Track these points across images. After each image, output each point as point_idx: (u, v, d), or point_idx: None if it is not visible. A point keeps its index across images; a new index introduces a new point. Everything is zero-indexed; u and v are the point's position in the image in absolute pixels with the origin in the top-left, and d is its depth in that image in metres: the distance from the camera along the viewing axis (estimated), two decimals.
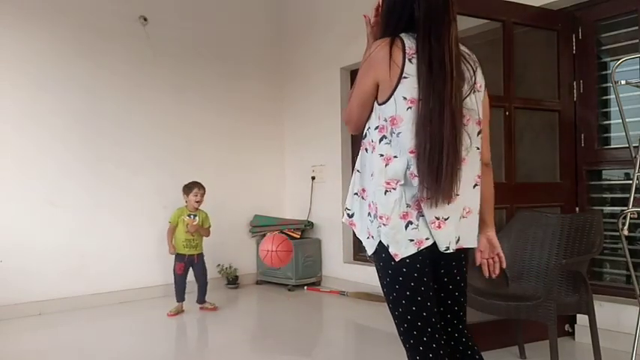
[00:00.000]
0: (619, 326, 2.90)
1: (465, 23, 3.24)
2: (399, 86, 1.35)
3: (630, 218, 2.43)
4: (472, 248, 1.55)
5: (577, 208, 3.27)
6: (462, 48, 1.47)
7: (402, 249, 1.38)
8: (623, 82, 2.64)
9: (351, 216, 1.55)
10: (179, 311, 4.10)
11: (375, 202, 1.42)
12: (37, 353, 3.24)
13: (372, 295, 4.47)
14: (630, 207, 2.44)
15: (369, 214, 1.45)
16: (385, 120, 1.40)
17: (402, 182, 1.38)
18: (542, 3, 3.29)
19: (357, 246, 5.15)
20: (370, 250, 1.47)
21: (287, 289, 4.99)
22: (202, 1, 5.20)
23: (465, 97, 1.40)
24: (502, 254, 1.60)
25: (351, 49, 4.90)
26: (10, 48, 4.15)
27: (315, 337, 3.64)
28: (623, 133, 2.60)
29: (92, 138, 4.49)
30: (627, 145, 2.57)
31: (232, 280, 5.12)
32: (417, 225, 1.38)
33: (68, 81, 4.40)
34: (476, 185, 1.47)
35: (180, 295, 4.15)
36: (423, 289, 1.41)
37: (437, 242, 1.40)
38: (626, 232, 2.41)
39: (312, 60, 5.39)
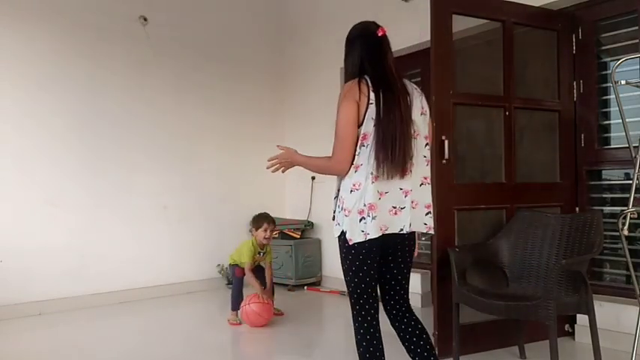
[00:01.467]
0: (619, 326, 2.90)
1: (465, 23, 3.25)
2: (368, 110, 1.81)
3: (630, 218, 2.43)
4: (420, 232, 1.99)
5: (577, 208, 3.27)
6: (407, 81, 1.94)
7: (354, 236, 1.84)
8: (623, 82, 2.65)
9: (334, 212, 1.99)
10: (240, 321, 3.72)
11: (343, 197, 1.87)
12: (37, 353, 3.24)
13: None
14: (630, 207, 2.44)
15: (339, 206, 1.91)
16: (357, 137, 1.84)
17: (363, 185, 1.82)
18: (542, 3, 3.29)
19: None
20: (336, 233, 1.92)
21: (287, 289, 4.99)
22: (202, 1, 5.20)
23: (414, 116, 1.88)
24: (417, 245, 2.08)
25: None
26: (10, 48, 4.15)
27: (315, 337, 3.64)
28: (623, 133, 2.60)
29: (92, 138, 4.49)
30: (627, 145, 2.57)
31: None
32: (367, 222, 1.82)
33: (68, 81, 4.40)
34: (422, 184, 1.93)
35: (236, 304, 3.73)
36: (365, 268, 1.91)
37: (392, 226, 1.85)
38: (626, 232, 2.42)
39: (313, 60, 5.39)
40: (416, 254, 2.10)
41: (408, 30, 4.24)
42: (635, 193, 2.47)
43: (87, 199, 4.44)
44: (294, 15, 5.67)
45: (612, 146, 3.26)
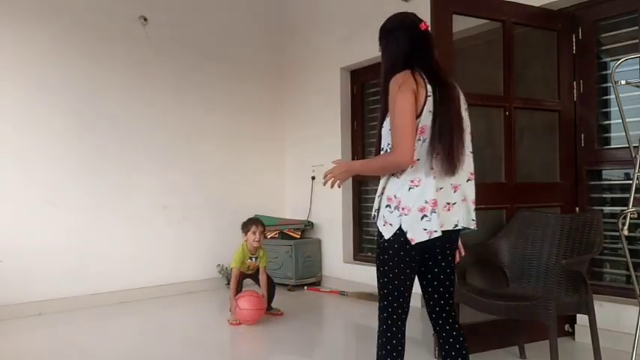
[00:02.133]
0: (619, 326, 2.90)
1: (465, 23, 3.25)
2: (426, 102, 1.71)
3: (630, 218, 2.43)
4: (465, 231, 1.91)
5: (577, 208, 3.27)
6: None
7: (416, 235, 1.73)
8: (623, 82, 2.64)
9: (376, 211, 1.87)
10: (238, 320, 3.73)
11: (399, 196, 1.76)
12: (37, 353, 3.24)
13: (372, 295, 4.47)
14: (630, 207, 2.44)
15: (389, 205, 1.79)
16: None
17: (423, 181, 1.74)
18: (542, 3, 3.29)
19: (357, 246, 5.15)
20: (388, 234, 1.78)
21: (287, 289, 4.99)
22: (202, 1, 5.20)
23: (462, 111, 1.84)
24: (461, 245, 2.02)
25: (351, 49, 4.90)
26: (10, 48, 4.15)
27: (315, 337, 3.64)
28: (623, 133, 2.60)
29: (92, 138, 4.49)
30: (627, 145, 2.57)
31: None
32: (430, 219, 1.72)
33: (68, 81, 4.40)
34: (469, 180, 1.87)
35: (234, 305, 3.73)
36: (409, 270, 1.83)
37: (447, 222, 1.79)
38: (626, 232, 2.41)
39: (313, 60, 5.39)
40: (463, 253, 2.05)
41: None
42: (635, 193, 2.47)
43: (87, 199, 4.44)
44: (294, 15, 5.67)
45: (612, 146, 3.26)
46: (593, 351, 2.44)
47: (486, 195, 3.09)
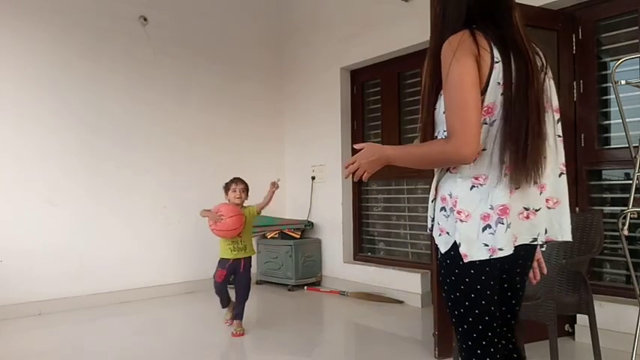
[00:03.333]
0: (619, 326, 2.90)
1: None
2: (493, 71, 1.28)
3: (630, 218, 2.43)
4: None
5: (577, 208, 3.26)
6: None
7: (472, 251, 1.30)
8: (623, 82, 2.64)
9: (432, 220, 1.45)
10: (232, 316, 3.63)
11: (455, 195, 1.33)
12: (37, 353, 3.24)
13: (372, 295, 4.48)
14: (630, 207, 2.43)
15: (443, 208, 1.37)
16: None
17: (490, 179, 1.31)
18: (542, 3, 3.29)
19: (357, 246, 5.15)
20: (444, 247, 1.36)
21: (287, 289, 4.99)
22: (202, 1, 5.20)
23: (543, 83, 1.38)
24: (542, 260, 1.61)
25: (351, 49, 4.91)
26: (10, 48, 4.15)
27: (315, 337, 3.64)
28: (623, 133, 2.60)
29: (92, 138, 4.49)
30: (627, 145, 2.57)
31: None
32: (495, 231, 1.29)
33: (68, 81, 4.40)
34: (562, 174, 1.41)
35: (225, 301, 3.65)
36: (488, 293, 1.36)
37: (522, 235, 1.34)
38: (626, 232, 2.41)
39: (313, 60, 5.39)
40: (545, 272, 1.61)
41: (408, 30, 4.25)
42: (635, 193, 2.47)
43: (87, 198, 4.44)
44: (294, 15, 5.67)
45: (612, 146, 3.26)
46: (593, 351, 2.44)
47: None
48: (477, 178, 1.32)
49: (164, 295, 4.73)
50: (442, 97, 1.33)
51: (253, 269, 5.34)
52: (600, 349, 2.44)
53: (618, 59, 2.66)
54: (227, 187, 3.74)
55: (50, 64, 4.33)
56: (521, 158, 1.29)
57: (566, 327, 3.18)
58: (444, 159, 1.33)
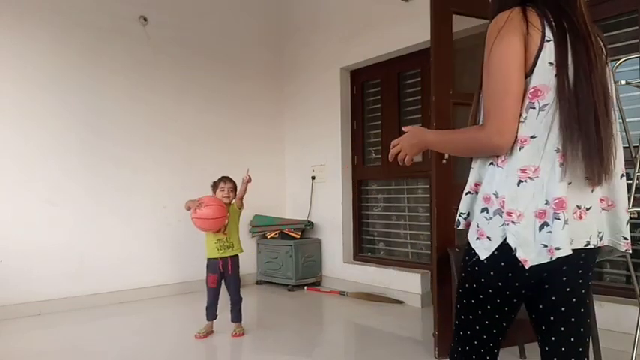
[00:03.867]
0: (619, 326, 2.90)
1: (465, 23, 3.25)
2: (542, 50, 1.16)
3: (630, 218, 2.43)
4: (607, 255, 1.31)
5: None
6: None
7: (532, 254, 1.15)
8: (623, 82, 2.64)
9: (466, 217, 1.33)
10: (209, 332, 3.48)
11: (502, 195, 1.17)
12: (37, 353, 3.24)
13: (372, 295, 4.48)
14: (630, 207, 2.44)
15: (485, 209, 1.22)
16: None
17: (542, 170, 1.15)
18: None
19: (357, 246, 5.15)
20: (484, 253, 1.22)
21: (287, 289, 4.99)
22: (202, 1, 5.20)
23: (604, 71, 1.24)
24: None
25: (351, 49, 4.91)
26: (10, 48, 4.15)
27: (315, 337, 3.64)
28: (624, 133, 2.60)
29: (92, 138, 4.49)
30: (627, 145, 2.57)
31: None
32: (552, 229, 1.14)
33: (68, 81, 4.40)
34: (622, 176, 1.26)
35: (211, 313, 3.50)
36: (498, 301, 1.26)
37: (576, 237, 1.18)
38: None
39: (313, 60, 5.39)
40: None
41: (408, 30, 4.25)
42: (635, 193, 2.47)
43: (87, 199, 4.44)
44: (295, 15, 5.67)
45: None
46: (593, 351, 2.44)
47: None
48: (524, 171, 1.16)
49: (164, 295, 4.73)
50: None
51: (253, 269, 5.41)
52: (600, 349, 2.44)
53: (618, 59, 2.66)
54: (215, 186, 3.71)
55: (50, 64, 4.32)
56: (589, 148, 1.14)
57: None
58: (477, 147, 1.22)
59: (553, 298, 1.26)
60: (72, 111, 4.40)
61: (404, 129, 1.45)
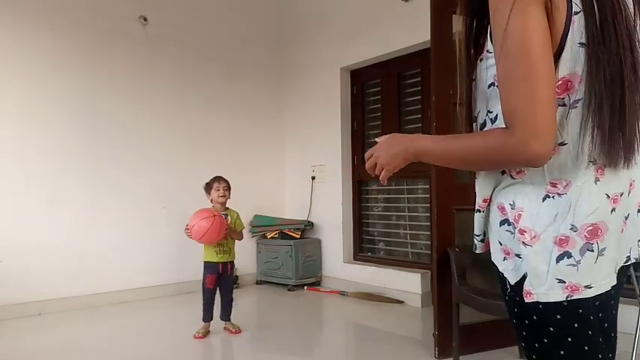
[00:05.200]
0: (619, 326, 2.89)
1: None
2: (571, 27, 0.87)
3: None
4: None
5: None
6: None
7: (540, 288, 0.92)
8: None
9: (482, 240, 1.09)
10: (207, 332, 3.48)
11: (520, 206, 0.94)
12: (37, 353, 3.24)
13: (372, 295, 4.48)
14: None
15: (506, 221, 0.97)
16: None
17: (573, 186, 0.90)
18: None
19: (357, 246, 5.15)
20: (514, 276, 0.96)
21: (287, 289, 4.99)
22: (202, 1, 5.20)
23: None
24: None
25: (351, 49, 4.91)
26: (10, 49, 4.14)
27: (315, 337, 3.64)
28: None
29: (92, 139, 4.49)
30: None
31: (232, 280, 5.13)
32: (579, 261, 0.90)
33: (68, 81, 4.39)
34: None
35: (208, 315, 3.51)
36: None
37: (621, 254, 0.99)
38: None
39: (312, 60, 5.40)
40: None
41: (408, 30, 4.25)
42: None
43: (87, 199, 4.44)
44: (294, 15, 5.67)
45: None
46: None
47: None
48: (554, 185, 0.91)
49: (164, 295, 4.73)
50: (484, 62, 0.98)
51: (253, 269, 5.41)
52: None
53: None
54: (209, 187, 3.61)
55: (50, 65, 4.32)
56: (621, 144, 0.90)
57: None
58: (503, 159, 0.90)
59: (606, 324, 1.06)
60: (72, 111, 4.40)
61: (377, 139, 1.14)
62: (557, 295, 0.92)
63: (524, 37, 0.84)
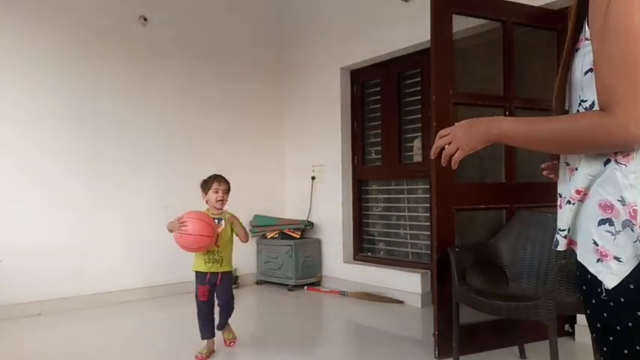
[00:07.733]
0: None
1: (465, 23, 3.26)
2: None
3: None
4: None
5: None
6: None
7: None
8: None
9: (566, 236, 1.02)
10: (210, 351, 3.07)
11: (633, 201, 0.86)
12: (37, 353, 3.24)
13: (372, 295, 4.48)
14: None
15: (607, 221, 0.90)
16: None
17: None
18: (542, 3, 3.29)
19: (357, 246, 5.15)
20: (612, 281, 0.89)
21: (287, 289, 4.99)
22: (202, 1, 5.20)
23: None
24: None
25: (351, 49, 4.91)
26: (11, 49, 4.15)
27: (315, 337, 3.64)
28: None
29: (92, 138, 4.49)
30: None
31: (232, 280, 5.12)
32: None
33: (68, 81, 4.40)
34: None
35: (207, 331, 3.07)
36: None
37: None
38: None
39: (312, 60, 5.39)
40: None
41: (408, 30, 4.25)
42: None
43: (87, 199, 4.44)
44: (294, 15, 5.67)
45: None
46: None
47: (486, 195, 3.11)
48: None
49: (164, 295, 4.73)
50: (581, 50, 0.96)
51: (253, 269, 5.40)
52: None
53: None
54: (206, 186, 3.15)
55: (50, 65, 4.32)
56: None
57: (566, 327, 3.18)
58: (598, 141, 0.88)
59: None
60: (72, 111, 4.40)
61: (456, 124, 1.10)
62: None
63: (627, 17, 0.82)
